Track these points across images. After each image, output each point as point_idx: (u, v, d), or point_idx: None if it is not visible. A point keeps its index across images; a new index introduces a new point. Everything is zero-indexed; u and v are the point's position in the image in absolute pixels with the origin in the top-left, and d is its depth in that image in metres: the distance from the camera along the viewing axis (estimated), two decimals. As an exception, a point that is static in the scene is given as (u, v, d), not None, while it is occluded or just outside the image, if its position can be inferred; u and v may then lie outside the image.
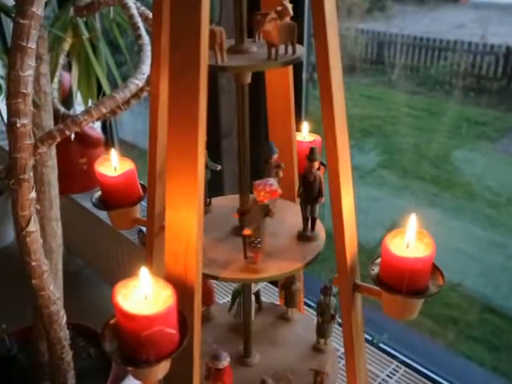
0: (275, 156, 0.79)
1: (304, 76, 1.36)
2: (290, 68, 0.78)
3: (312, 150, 0.72)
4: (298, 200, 0.78)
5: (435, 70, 2.98)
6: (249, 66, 0.59)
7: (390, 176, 2.66)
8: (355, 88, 2.93)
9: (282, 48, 0.63)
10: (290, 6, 0.59)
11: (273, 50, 0.61)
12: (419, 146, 2.73)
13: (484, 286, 2.03)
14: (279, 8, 0.59)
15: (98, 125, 1.96)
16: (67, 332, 1.16)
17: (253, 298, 0.91)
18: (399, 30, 3.21)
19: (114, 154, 0.77)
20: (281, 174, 0.78)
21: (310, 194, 0.73)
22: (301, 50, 0.64)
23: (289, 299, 0.95)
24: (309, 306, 1.36)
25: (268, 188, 0.67)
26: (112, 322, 0.57)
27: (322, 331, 0.89)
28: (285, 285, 0.93)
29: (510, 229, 2.23)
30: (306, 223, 0.76)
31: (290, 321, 0.97)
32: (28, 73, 0.85)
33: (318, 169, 0.73)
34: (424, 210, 2.38)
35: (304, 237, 0.76)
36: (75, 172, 1.78)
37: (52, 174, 1.22)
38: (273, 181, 0.69)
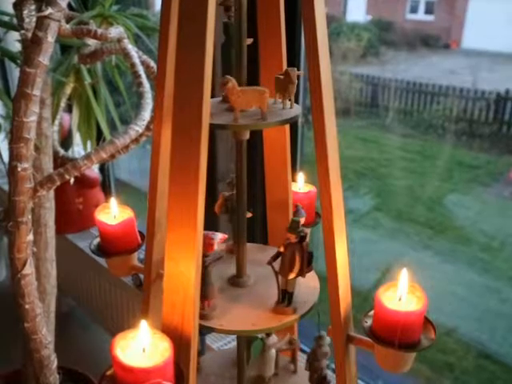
0: (302, 219, 0.68)
1: (299, 121, 1.39)
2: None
3: (293, 221, 0.66)
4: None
5: (428, 114, 3.05)
6: (248, 125, 0.61)
7: (384, 219, 2.68)
8: (350, 130, 2.98)
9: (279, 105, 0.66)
10: (294, 74, 0.61)
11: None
12: (413, 188, 2.76)
13: (479, 331, 2.02)
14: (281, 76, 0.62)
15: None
16: (57, 377, 1.14)
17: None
18: (393, 74, 3.30)
19: (113, 202, 0.79)
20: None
21: (284, 265, 0.67)
22: (298, 109, 0.67)
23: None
24: (304, 351, 1.34)
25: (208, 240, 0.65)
26: (109, 372, 0.57)
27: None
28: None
29: (503, 273, 2.23)
30: (282, 295, 0.70)
31: None
32: (31, 119, 0.87)
33: (299, 241, 0.66)
34: (418, 253, 2.39)
35: (278, 310, 0.70)
36: (71, 212, 1.77)
37: (49, 216, 1.22)
38: (217, 235, 0.66)
